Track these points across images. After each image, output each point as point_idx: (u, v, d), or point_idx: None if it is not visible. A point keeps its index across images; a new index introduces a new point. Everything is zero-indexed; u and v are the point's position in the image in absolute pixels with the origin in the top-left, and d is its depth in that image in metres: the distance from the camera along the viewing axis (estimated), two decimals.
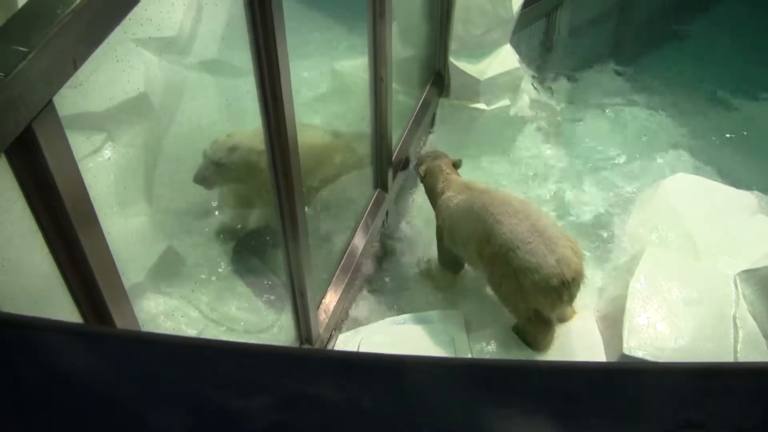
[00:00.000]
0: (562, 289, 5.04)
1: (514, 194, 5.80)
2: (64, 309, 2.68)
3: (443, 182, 5.95)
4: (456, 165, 6.16)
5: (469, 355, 5.19)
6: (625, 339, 5.03)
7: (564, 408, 1.23)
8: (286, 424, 1.22)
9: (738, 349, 5.08)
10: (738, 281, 5.48)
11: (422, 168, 6.11)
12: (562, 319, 5.52)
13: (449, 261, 6.08)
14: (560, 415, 1.21)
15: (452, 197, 5.77)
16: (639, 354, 5.00)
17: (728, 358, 5.04)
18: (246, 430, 1.21)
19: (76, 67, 2.15)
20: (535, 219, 5.20)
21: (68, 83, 2.18)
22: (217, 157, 5.36)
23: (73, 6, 2.09)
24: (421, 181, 6.23)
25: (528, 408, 1.21)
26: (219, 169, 5.39)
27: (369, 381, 1.31)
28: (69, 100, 2.19)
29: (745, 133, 8.14)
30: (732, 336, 5.15)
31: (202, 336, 5.02)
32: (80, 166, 2.36)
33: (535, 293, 5.10)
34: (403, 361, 1.33)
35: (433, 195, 6.07)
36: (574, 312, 5.56)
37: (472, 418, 1.22)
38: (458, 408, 1.24)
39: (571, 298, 5.20)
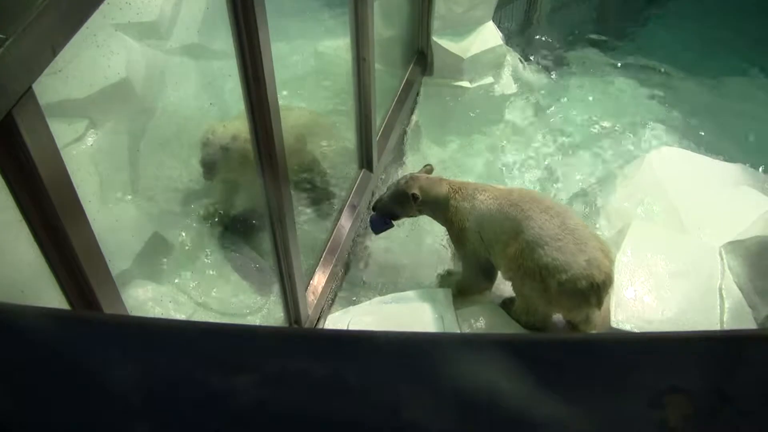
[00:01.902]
0: (590, 293, 4.83)
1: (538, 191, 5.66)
2: (51, 297, 2.68)
3: (451, 189, 5.45)
4: (428, 172, 5.74)
5: (458, 332, 5.18)
6: (612, 312, 5.05)
7: (549, 377, 1.24)
8: (269, 401, 1.22)
9: (724, 320, 5.12)
10: (723, 253, 5.52)
11: (415, 190, 5.41)
12: (588, 325, 5.24)
13: (477, 270, 5.59)
14: (545, 384, 1.21)
15: (473, 195, 5.35)
16: (627, 327, 5.03)
17: (715, 329, 5.06)
18: (229, 408, 1.21)
19: (55, 54, 2.14)
20: (566, 217, 4.98)
21: (48, 70, 2.17)
22: (224, 143, 5.35)
23: None
24: (418, 204, 5.48)
25: (514, 378, 1.21)
26: (225, 155, 5.39)
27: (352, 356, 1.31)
28: (50, 87, 2.19)
29: (730, 106, 8.15)
30: (718, 307, 5.19)
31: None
32: (63, 153, 2.35)
33: (560, 295, 4.90)
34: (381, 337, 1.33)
35: (440, 206, 5.47)
36: (600, 317, 5.21)
37: (459, 390, 1.22)
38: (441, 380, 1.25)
39: (600, 302, 4.94)
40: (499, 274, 5.44)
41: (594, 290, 4.82)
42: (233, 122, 5.44)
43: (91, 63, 5.03)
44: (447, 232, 5.66)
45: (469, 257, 5.54)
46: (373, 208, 5.72)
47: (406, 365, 1.26)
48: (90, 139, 5.23)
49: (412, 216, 5.69)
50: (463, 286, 5.71)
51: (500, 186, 5.52)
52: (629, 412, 1.18)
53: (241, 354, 1.29)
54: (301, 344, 1.35)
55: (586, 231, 4.99)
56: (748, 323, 5.11)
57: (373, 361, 1.28)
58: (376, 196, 5.96)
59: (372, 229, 5.79)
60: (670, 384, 1.17)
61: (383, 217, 5.64)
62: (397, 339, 1.35)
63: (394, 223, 5.69)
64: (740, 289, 5.30)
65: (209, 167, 5.44)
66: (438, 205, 5.47)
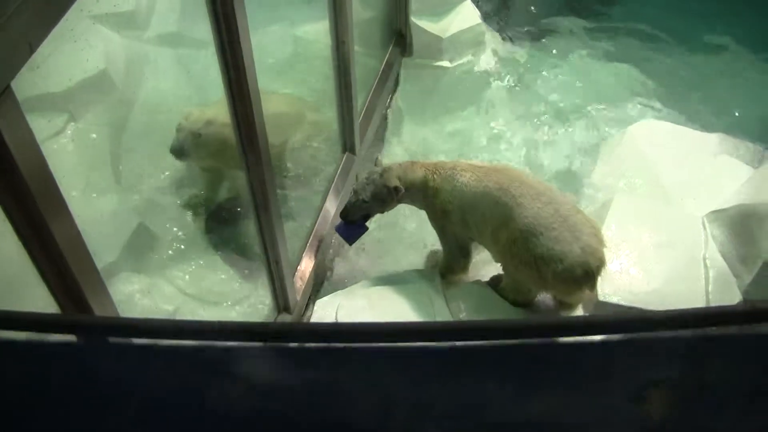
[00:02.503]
0: (585, 279, 4.87)
1: (520, 169, 5.60)
2: (37, 293, 2.68)
3: (427, 172, 5.36)
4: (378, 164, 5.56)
5: (447, 312, 5.19)
6: (599, 286, 5.05)
7: (535, 371, 1.25)
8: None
9: (709, 290, 5.16)
10: (706, 222, 5.56)
11: (394, 181, 5.30)
12: (579, 302, 5.29)
13: (457, 250, 5.58)
14: (531, 376, 1.22)
15: (453, 176, 5.25)
16: (614, 300, 5.05)
17: (700, 298, 5.11)
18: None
19: (32, 50, 2.13)
20: (558, 203, 4.93)
21: (25, 66, 2.16)
22: (195, 128, 5.31)
23: None
24: (398, 195, 5.36)
25: (499, 370, 1.22)
26: (197, 140, 5.35)
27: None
28: (27, 82, 2.17)
29: (710, 77, 8.17)
30: (703, 277, 5.22)
31: (179, 312, 5.03)
32: (43, 148, 2.34)
33: (556, 283, 4.92)
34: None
35: (419, 191, 5.38)
36: (592, 294, 5.19)
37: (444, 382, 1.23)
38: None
39: (593, 286, 5.00)
40: (489, 255, 5.44)
41: (589, 276, 4.85)
42: (211, 107, 5.42)
43: (68, 56, 5.02)
44: (427, 214, 5.59)
45: (450, 238, 5.53)
46: (345, 216, 5.48)
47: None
48: (70, 132, 5.22)
49: (389, 210, 5.59)
50: (446, 266, 5.67)
51: (477, 163, 5.45)
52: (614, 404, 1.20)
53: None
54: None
55: (579, 216, 4.96)
56: (733, 291, 5.16)
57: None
58: (341, 205, 5.74)
59: (346, 238, 5.59)
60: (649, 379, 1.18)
61: (358, 223, 5.49)
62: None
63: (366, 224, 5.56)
64: (724, 257, 5.34)
65: (178, 152, 5.39)
66: (416, 191, 5.39)
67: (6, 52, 2.03)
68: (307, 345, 1.45)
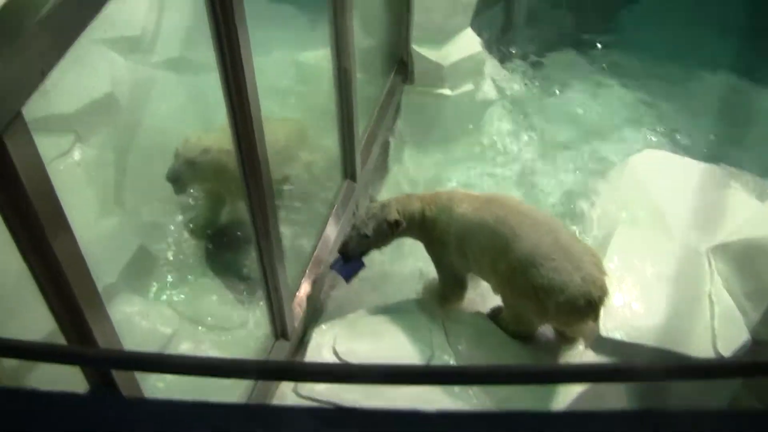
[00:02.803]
0: (588, 309, 4.83)
1: (517, 198, 5.56)
2: (37, 313, 2.70)
3: (424, 203, 5.38)
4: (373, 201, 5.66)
5: (446, 344, 5.17)
6: (601, 321, 4.95)
7: None
8: None
9: (715, 325, 5.04)
10: (711, 256, 5.46)
11: (394, 215, 5.31)
12: (578, 334, 5.23)
13: (453, 281, 5.60)
14: None
15: (450, 207, 5.27)
16: (616, 335, 4.93)
17: (706, 335, 5.00)
18: None
19: (44, 76, 2.16)
20: (557, 232, 4.93)
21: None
22: (191, 156, 5.35)
23: (39, 16, 2.10)
24: (398, 229, 5.37)
25: None
26: (192, 168, 5.39)
27: None
28: (36, 104, 2.20)
29: (710, 106, 8.18)
30: (708, 312, 5.12)
31: (177, 335, 5.04)
32: (49, 168, 2.37)
33: (559, 314, 4.89)
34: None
35: (416, 223, 5.38)
36: (589, 326, 5.14)
37: None
38: None
39: (596, 316, 4.90)
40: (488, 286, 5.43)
41: (592, 306, 4.81)
42: (209, 134, 5.45)
43: (76, 79, 5.06)
44: (424, 245, 5.60)
45: (446, 269, 5.54)
46: (345, 253, 5.44)
47: None
48: (76, 153, 5.25)
49: (386, 245, 5.58)
50: (442, 295, 5.68)
51: (474, 193, 5.46)
52: None
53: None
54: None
55: (579, 245, 4.95)
56: (739, 328, 5.03)
57: None
58: (341, 231, 5.82)
59: (344, 276, 5.54)
60: None
61: (355, 260, 5.45)
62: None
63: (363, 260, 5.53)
64: (729, 293, 5.22)
65: (173, 180, 5.44)
66: (414, 223, 5.39)
67: (18, 78, 2.06)
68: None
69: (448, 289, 5.64)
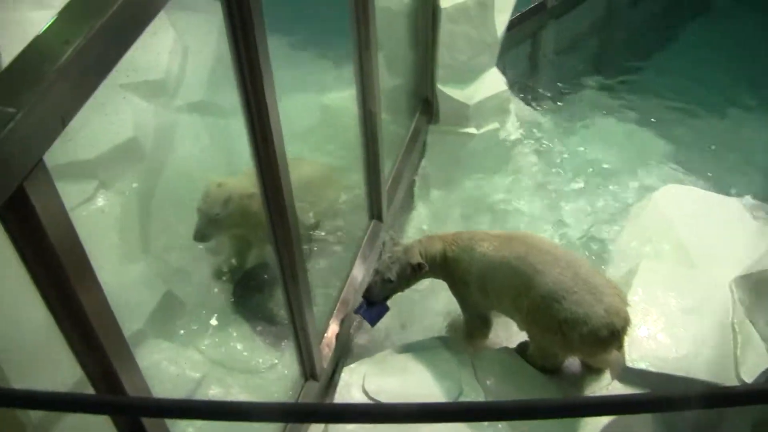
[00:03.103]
0: (611, 340, 4.83)
1: (539, 235, 5.57)
2: (64, 364, 2.68)
3: (445, 244, 5.42)
4: (396, 242, 5.57)
5: (474, 380, 5.16)
6: (627, 351, 5.03)
7: None
8: None
9: (738, 354, 5.11)
10: (734, 287, 5.53)
11: (417, 258, 5.34)
12: (604, 364, 5.26)
13: (477, 319, 5.64)
14: None
15: (472, 247, 5.30)
16: (642, 366, 5.01)
17: (729, 364, 5.06)
18: None
19: (65, 124, 2.15)
20: (577, 266, 4.92)
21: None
22: (213, 213, 5.36)
23: (60, 63, 2.09)
24: (421, 272, 5.39)
25: None
26: (216, 224, 5.40)
27: None
28: (58, 150, 2.19)
29: (730, 141, 8.19)
30: (731, 342, 5.19)
31: (206, 379, 5.02)
32: (73, 215, 2.35)
33: (583, 346, 4.90)
34: None
35: (438, 264, 5.43)
36: (615, 358, 5.19)
37: None
38: None
39: (621, 346, 4.98)
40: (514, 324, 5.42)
41: (615, 336, 4.82)
42: (229, 180, 5.45)
43: (98, 124, 5.08)
44: (448, 285, 5.61)
45: (470, 308, 5.57)
46: (369, 297, 5.44)
47: None
48: (100, 199, 5.27)
49: (410, 287, 5.61)
50: (467, 333, 5.72)
51: (495, 232, 5.44)
52: None
53: None
54: None
55: (599, 278, 4.94)
56: (762, 356, 5.07)
57: None
58: (368, 272, 5.80)
59: (369, 320, 5.52)
60: None
61: (380, 304, 5.46)
62: None
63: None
64: (752, 322, 5.27)
65: (200, 239, 5.46)
66: (436, 264, 5.43)
67: (39, 126, 2.05)
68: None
69: (472, 327, 5.67)
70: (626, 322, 4.86)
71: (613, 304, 4.80)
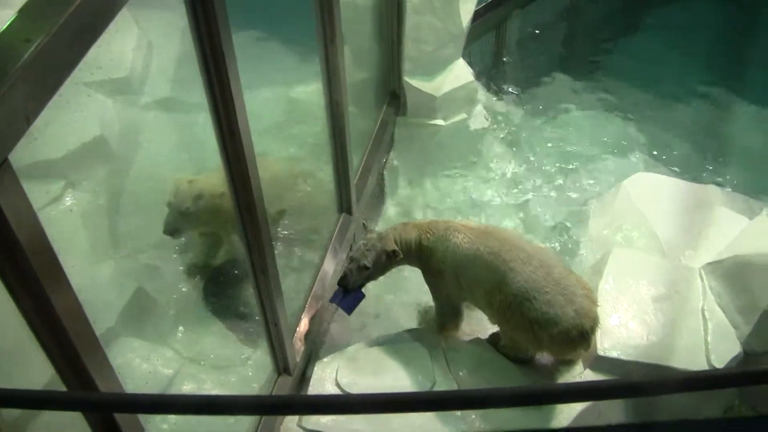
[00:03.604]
0: (580, 340, 4.88)
1: (513, 230, 5.54)
2: (36, 362, 2.67)
3: (420, 232, 5.39)
4: (369, 230, 5.57)
5: (448, 371, 5.17)
6: (598, 340, 5.07)
7: None
8: None
9: (708, 340, 5.17)
10: (703, 274, 5.58)
11: (391, 245, 5.31)
12: (578, 356, 5.27)
13: (449, 309, 5.61)
14: None
15: (446, 237, 5.28)
16: (613, 354, 5.05)
17: (700, 351, 5.11)
18: None
19: (29, 123, 2.14)
20: (550, 266, 4.94)
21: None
22: (184, 207, 5.34)
23: (21, 61, 2.08)
24: (396, 259, 5.37)
25: None
26: (187, 217, 5.39)
27: None
28: (24, 150, 2.18)
29: (699, 129, 8.25)
30: (702, 329, 5.24)
31: (179, 375, 5.01)
32: (41, 215, 2.34)
33: (551, 345, 4.96)
34: None
35: (413, 252, 5.41)
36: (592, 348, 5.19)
37: None
38: None
39: (588, 346, 5.01)
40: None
41: (584, 337, 4.87)
42: (201, 178, 5.43)
43: (64, 123, 5.04)
44: (422, 273, 5.59)
45: (443, 298, 5.56)
46: (345, 285, 5.41)
47: None
48: (68, 199, 5.23)
49: (385, 274, 5.57)
50: (438, 323, 5.71)
51: (471, 224, 5.40)
52: None
53: None
54: None
55: (571, 278, 4.96)
56: (731, 342, 5.18)
57: None
58: (339, 266, 5.81)
59: (346, 309, 5.47)
60: None
61: (356, 291, 5.42)
62: None
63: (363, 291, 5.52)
64: (722, 309, 5.36)
65: (171, 233, 5.44)
66: (411, 252, 5.41)
67: (3, 126, 2.03)
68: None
69: (444, 318, 5.66)
70: (595, 322, 4.91)
71: (584, 306, 4.84)
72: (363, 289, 5.46)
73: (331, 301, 5.50)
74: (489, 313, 5.24)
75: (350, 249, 5.71)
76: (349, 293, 5.40)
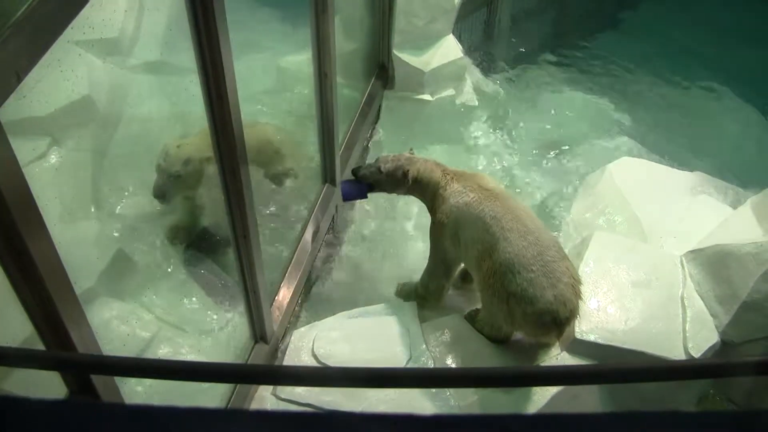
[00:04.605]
0: (552, 327, 4.83)
1: (524, 203, 5.50)
2: (15, 318, 2.68)
3: (443, 176, 5.41)
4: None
5: (423, 345, 5.19)
6: (576, 324, 5.04)
7: None
8: None
9: (687, 328, 5.17)
10: (684, 262, 5.58)
11: (412, 171, 5.41)
12: (551, 342, 5.24)
13: (441, 266, 5.58)
14: None
15: (461, 192, 5.26)
16: (591, 338, 5.06)
17: (678, 338, 5.11)
18: None
19: (19, 80, 2.14)
20: (545, 246, 4.88)
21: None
22: (174, 170, 5.34)
23: (13, 19, 2.07)
24: (407, 183, 5.46)
25: None
26: (177, 181, 5.38)
27: None
28: (12, 107, 2.18)
29: (686, 115, 8.26)
30: (680, 316, 5.24)
31: (156, 339, 5.01)
32: (26, 171, 2.35)
33: (523, 323, 4.92)
34: None
35: (429, 192, 5.46)
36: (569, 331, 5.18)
37: None
38: None
39: (560, 335, 4.98)
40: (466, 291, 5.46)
41: (557, 325, 4.83)
42: (188, 141, 5.42)
43: (52, 81, 5.01)
44: (431, 219, 5.57)
45: (439, 252, 5.53)
46: (355, 174, 5.61)
47: None
48: (53, 156, 5.21)
49: (398, 193, 5.70)
50: (424, 281, 5.69)
51: (488, 184, 5.34)
52: None
53: None
54: None
55: (562, 265, 4.90)
56: (709, 331, 5.18)
57: None
58: (357, 163, 5.95)
59: (344, 194, 5.70)
60: None
61: (362, 185, 5.58)
62: None
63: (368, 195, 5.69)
64: (701, 297, 5.37)
65: (160, 197, 5.45)
66: (427, 190, 5.46)
67: None
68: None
69: (432, 275, 5.64)
70: (572, 314, 4.87)
71: (564, 294, 4.80)
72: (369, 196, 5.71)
73: (341, 182, 5.75)
74: (476, 276, 5.22)
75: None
76: (355, 183, 5.60)
